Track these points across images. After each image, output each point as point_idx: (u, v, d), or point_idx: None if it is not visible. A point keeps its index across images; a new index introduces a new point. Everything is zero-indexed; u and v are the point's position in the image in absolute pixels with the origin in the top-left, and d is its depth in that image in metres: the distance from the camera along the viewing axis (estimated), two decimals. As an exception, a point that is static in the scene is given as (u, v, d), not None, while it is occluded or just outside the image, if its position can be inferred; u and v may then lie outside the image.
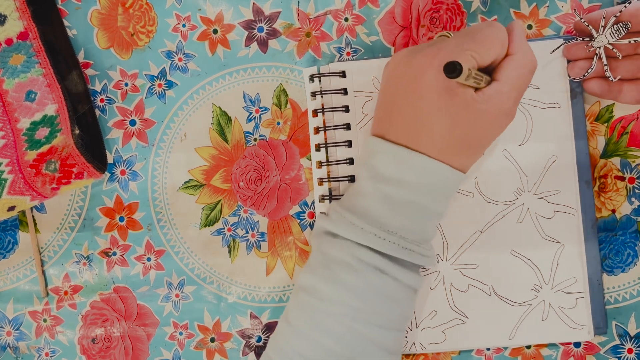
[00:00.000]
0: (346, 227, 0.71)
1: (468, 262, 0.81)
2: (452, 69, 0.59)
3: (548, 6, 0.83)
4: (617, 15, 0.74)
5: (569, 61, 0.80)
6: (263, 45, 0.86)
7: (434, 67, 0.67)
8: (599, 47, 0.76)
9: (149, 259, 0.87)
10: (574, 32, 0.80)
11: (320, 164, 0.83)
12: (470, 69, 0.62)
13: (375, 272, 0.70)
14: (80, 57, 0.87)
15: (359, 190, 0.73)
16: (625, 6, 0.73)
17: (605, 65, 0.76)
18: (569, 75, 0.80)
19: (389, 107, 0.72)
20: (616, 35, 0.74)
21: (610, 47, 0.76)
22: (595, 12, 0.76)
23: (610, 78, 0.76)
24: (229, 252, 0.86)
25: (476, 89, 0.68)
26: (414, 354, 0.84)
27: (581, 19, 0.76)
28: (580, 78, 0.78)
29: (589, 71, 0.77)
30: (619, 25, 0.74)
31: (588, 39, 0.77)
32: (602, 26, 0.75)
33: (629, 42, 0.74)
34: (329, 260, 0.72)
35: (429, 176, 0.69)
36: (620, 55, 0.76)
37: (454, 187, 0.72)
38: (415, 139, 0.69)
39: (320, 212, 0.81)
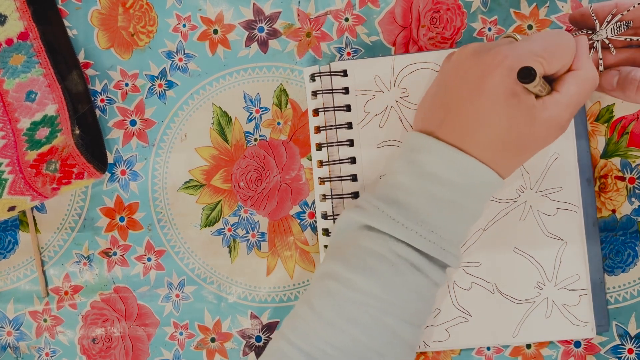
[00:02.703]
0: (385, 222, 0.70)
1: (471, 260, 0.81)
2: (527, 75, 0.59)
3: (548, 6, 0.83)
4: (624, 13, 0.74)
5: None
6: (263, 45, 0.86)
7: (503, 67, 0.67)
8: (597, 41, 0.76)
9: (149, 259, 0.87)
10: (570, 23, 0.80)
11: (321, 164, 0.83)
12: (540, 77, 0.62)
13: (410, 268, 0.70)
14: (81, 57, 0.87)
15: (399, 185, 0.72)
16: (634, 6, 0.73)
17: (600, 59, 0.77)
18: None
19: (445, 102, 0.71)
20: (616, 31, 0.75)
21: (607, 41, 0.76)
22: (605, 4, 0.76)
23: (600, 69, 0.77)
24: (229, 252, 0.86)
25: (536, 97, 0.68)
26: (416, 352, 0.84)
27: (591, 10, 0.76)
28: None
29: None
30: (621, 22, 0.74)
31: (586, 31, 0.77)
32: (607, 21, 0.75)
33: (625, 39, 0.75)
34: (364, 251, 0.71)
35: (476, 179, 0.69)
36: (614, 51, 0.76)
37: (493, 193, 0.72)
38: (468, 139, 0.69)
39: (347, 208, 0.80)
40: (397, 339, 0.70)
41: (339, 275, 0.71)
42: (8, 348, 0.88)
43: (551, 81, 0.71)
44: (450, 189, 0.69)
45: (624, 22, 0.74)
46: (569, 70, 0.70)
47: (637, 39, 0.75)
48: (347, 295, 0.70)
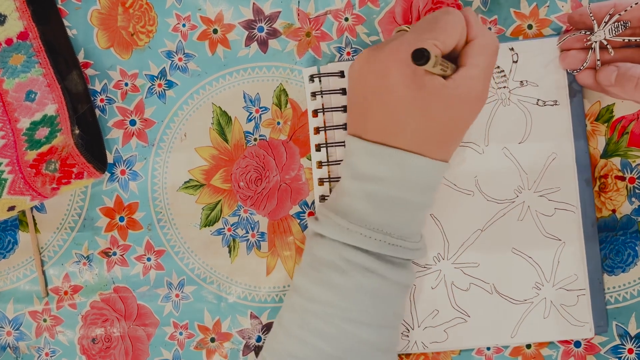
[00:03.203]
0: (332, 228, 0.71)
1: (469, 260, 0.81)
2: (420, 56, 0.59)
3: (548, 6, 0.83)
4: (622, 14, 0.74)
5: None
6: (263, 45, 0.86)
7: (398, 61, 0.67)
8: (595, 42, 0.76)
9: (149, 259, 0.87)
10: (568, 24, 0.80)
11: (320, 164, 0.83)
12: (437, 55, 0.62)
13: (362, 272, 0.70)
14: (80, 57, 0.87)
15: (342, 190, 0.73)
16: (631, 6, 0.73)
17: (598, 60, 0.77)
18: (562, 67, 0.80)
19: (361, 107, 0.72)
20: (614, 32, 0.75)
21: (605, 42, 0.76)
22: (603, 4, 0.76)
23: (597, 69, 0.77)
24: (229, 252, 0.86)
25: (444, 78, 0.68)
26: (415, 354, 0.84)
27: (589, 11, 0.76)
28: (577, 71, 0.79)
29: (584, 65, 0.77)
30: (619, 23, 0.74)
31: (584, 32, 0.77)
32: (604, 22, 0.75)
33: (623, 40, 0.75)
34: (318, 261, 0.72)
35: (408, 170, 0.69)
36: (613, 52, 0.76)
37: (436, 178, 0.72)
38: (391, 134, 0.70)
39: (308, 218, 0.81)
40: (362, 343, 0.71)
41: (299, 287, 0.73)
42: (8, 348, 0.88)
43: (456, 58, 0.71)
44: (386, 185, 0.70)
45: (622, 23, 0.74)
46: (467, 42, 0.70)
47: (635, 40, 0.75)
48: (307, 307, 0.71)
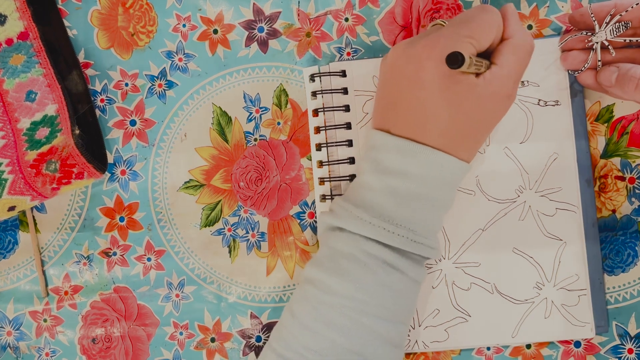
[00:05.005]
0: (353, 221, 0.71)
1: (470, 260, 0.81)
2: (455, 60, 0.59)
3: (548, 6, 0.83)
4: (623, 14, 0.74)
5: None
6: (263, 45, 0.86)
7: (433, 57, 0.67)
8: (597, 42, 0.76)
9: (149, 259, 0.87)
10: (569, 24, 0.80)
11: (321, 164, 0.83)
12: (471, 56, 0.62)
13: (383, 266, 0.70)
14: (81, 57, 0.87)
15: (364, 184, 0.73)
16: (632, 6, 0.73)
17: (599, 60, 0.77)
18: (563, 68, 0.80)
19: (391, 101, 0.72)
20: (615, 32, 0.75)
21: (606, 43, 0.76)
22: (604, 4, 0.76)
23: (598, 69, 0.77)
24: (229, 252, 0.86)
25: (476, 74, 0.68)
26: (415, 353, 0.84)
27: (590, 11, 0.76)
28: (579, 71, 0.79)
29: (585, 65, 0.77)
30: (620, 23, 0.74)
31: (585, 32, 0.77)
32: (606, 22, 0.75)
33: (624, 40, 0.75)
34: (336, 253, 0.72)
35: (436, 168, 0.69)
36: (614, 53, 0.76)
37: (459, 178, 0.72)
38: (420, 131, 0.69)
39: (321, 212, 0.80)
40: (376, 337, 0.70)
41: (315, 279, 0.72)
42: (8, 348, 0.88)
43: (489, 55, 0.71)
44: (413, 182, 0.70)
45: (623, 23, 0.74)
46: (503, 40, 0.71)
47: (637, 40, 0.75)
48: (322, 299, 0.71)
